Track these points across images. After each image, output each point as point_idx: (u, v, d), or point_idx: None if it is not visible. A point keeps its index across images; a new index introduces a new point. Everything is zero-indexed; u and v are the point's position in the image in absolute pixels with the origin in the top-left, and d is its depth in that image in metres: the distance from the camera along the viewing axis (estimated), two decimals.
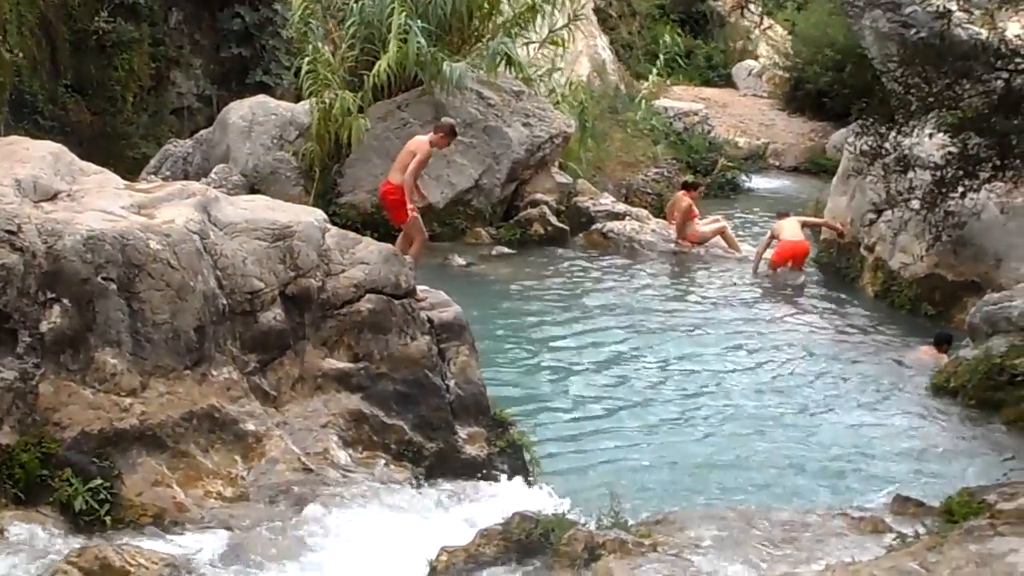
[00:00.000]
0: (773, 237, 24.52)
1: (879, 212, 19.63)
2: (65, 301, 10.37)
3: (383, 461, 11.63)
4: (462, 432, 12.27)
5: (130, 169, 22.44)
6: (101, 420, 10.31)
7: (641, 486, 12.94)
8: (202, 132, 26.63)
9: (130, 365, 10.56)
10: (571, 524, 9.53)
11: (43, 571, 8.91)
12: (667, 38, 42.27)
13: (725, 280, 23.37)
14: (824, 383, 17.04)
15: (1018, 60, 12.90)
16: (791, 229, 24.27)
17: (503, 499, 11.40)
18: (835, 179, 24.63)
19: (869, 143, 14.34)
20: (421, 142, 16.53)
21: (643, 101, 37.53)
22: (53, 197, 11.25)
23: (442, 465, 11.97)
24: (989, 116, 13.07)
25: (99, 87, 27.55)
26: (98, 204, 11.25)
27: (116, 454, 10.31)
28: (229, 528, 10.28)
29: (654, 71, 40.17)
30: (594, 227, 25.62)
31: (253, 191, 22.25)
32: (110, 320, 10.52)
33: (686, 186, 26.69)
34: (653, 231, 25.77)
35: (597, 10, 43.20)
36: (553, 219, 25.25)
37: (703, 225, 25.58)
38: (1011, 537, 8.63)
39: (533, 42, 29.19)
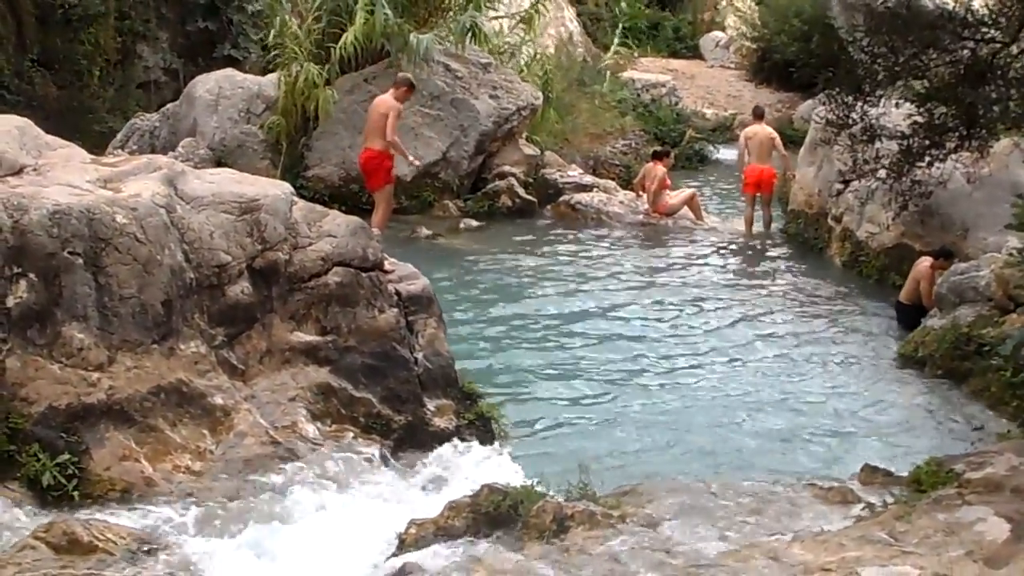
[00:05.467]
0: (747, 143, 25.10)
1: (846, 182, 19.76)
2: (31, 276, 10.33)
3: (351, 434, 11.64)
4: (430, 404, 12.29)
5: (96, 143, 22.35)
6: (69, 395, 10.28)
7: (610, 457, 12.93)
8: (169, 106, 26.49)
9: (97, 340, 10.54)
10: (540, 496, 9.53)
11: (10, 546, 8.87)
12: (623, 5, 42.24)
13: (693, 251, 23.35)
14: (792, 353, 17.05)
15: (984, 30, 12.92)
16: (757, 152, 24.60)
17: (472, 471, 11.43)
18: (802, 149, 24.65)
19: (836, 113, 14.39)
20: (389, 101, 16.55)
21: (607, 72, 37.49)
22: (19, 171, 11.21)
23: (411, 438, 12.00)
24: (955, 86, 13.10)
25: (65, 61, 27.49)
26: (64, 178, 11.21)
27: (84, 429, 10.29)
28: (197, 502, 10.28)
29: (615, 41, 40.17)
30: (562, 199, 25.67)
31: (220, 165, 22.15)
32: (77, 295, 10.49)
33: (656, 155, 26.53)
34: (621, 203, 25.80)
35: None
36: (521, 191, 25.25)
37: (672, 197, 25.57)
38: (979, 506, 8.70)
39: (502, 17, 29.14)
